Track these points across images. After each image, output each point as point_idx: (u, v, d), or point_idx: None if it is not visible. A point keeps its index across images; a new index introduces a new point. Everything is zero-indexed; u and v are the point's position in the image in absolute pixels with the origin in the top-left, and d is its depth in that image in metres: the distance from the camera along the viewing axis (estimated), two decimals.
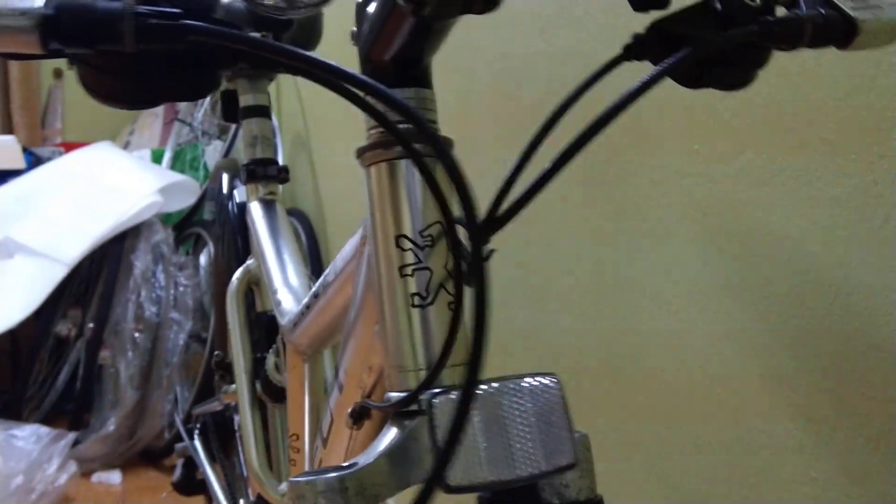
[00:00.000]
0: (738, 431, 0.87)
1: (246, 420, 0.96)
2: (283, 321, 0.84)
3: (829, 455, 0.77)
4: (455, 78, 1.40)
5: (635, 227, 1.00)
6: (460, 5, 0.40)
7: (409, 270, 0.47)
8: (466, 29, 1.46)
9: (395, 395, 0.46)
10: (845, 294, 0.74)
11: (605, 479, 1.07)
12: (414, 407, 0.44)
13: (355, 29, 0.50)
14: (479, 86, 1.34)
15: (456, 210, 0.49)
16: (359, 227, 0.57)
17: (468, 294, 0.52)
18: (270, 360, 0.97)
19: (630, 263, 1.01)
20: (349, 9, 0.49)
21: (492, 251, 0.48)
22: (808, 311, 0.78)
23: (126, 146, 2.98)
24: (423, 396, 0.44)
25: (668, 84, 0.48)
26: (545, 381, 0.44)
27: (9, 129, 3.12)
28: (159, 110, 2.95)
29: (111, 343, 2.24)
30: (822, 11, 0.42)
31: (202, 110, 2.62)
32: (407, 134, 0.48)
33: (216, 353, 1.11)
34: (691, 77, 0.45)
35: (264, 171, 1.03)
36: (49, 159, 2.59)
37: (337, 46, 0.87)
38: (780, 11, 0.43)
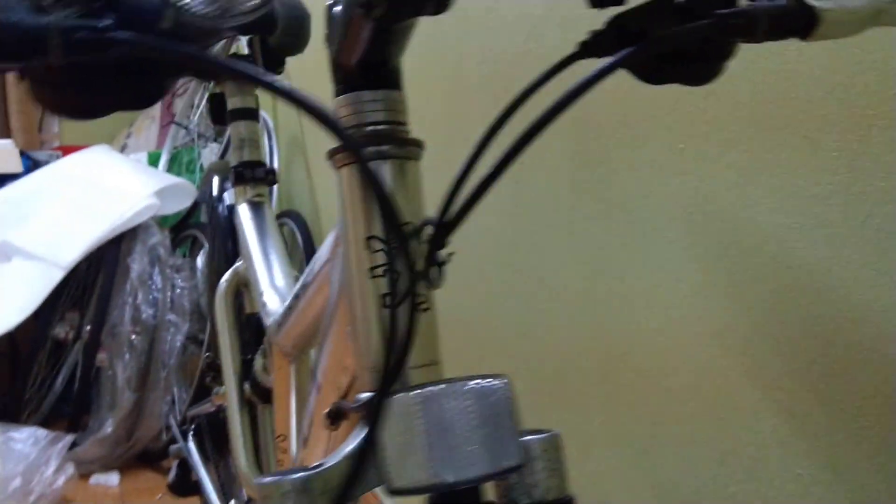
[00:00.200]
0: (724, 428, 0.87)
1: (234, 421, 0.96)
2: (269, 322, 0.85)
3: (814, 451, 0.77)
4: (444, 78, 1.40)
5: (623, 226, 1.00)
6: (411, 8, 0.40)
7: (379, 271, 0.48)
8: (455, 30, 1.47)
9: (364, 396, 0.46)
10: (828, 291, 0.74)
11: (595, 477, 1.07)
12: None
13: (328, 32, 0.50)
14: (468, 85, 1.34)
15: (429, 210, 0.49)
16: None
17: (439, 295, 0.52)
18: (259, 361, 0.97)
19: (618, 263, 1.01)
20: None
21: (450, 254, 0.48)
22: (791, 308, 0.78)
23: (123, 149, 2.99)
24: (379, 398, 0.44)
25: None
26: (494, 382, 0.44)
27: (6, 133, 3.13)
28: (156, 113, 2.95)
29: (108, 345, 2.24)
30: (782, 2, 0.41)
31: (198, 113, 2.62)
32: (376, 135, 0.48)
33: (206, 354, 1.12)
34: (653, 73, 0.45)
35: (252, 174, 1.04)
36: (46, 163, 2.59)
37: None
38: (746, 3, 0.42)
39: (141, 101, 0.42)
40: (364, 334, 0.48)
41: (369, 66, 0.48)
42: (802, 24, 0.41)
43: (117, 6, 0.37)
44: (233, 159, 1.06)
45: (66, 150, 2.77)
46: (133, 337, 2.20)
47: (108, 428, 2.17)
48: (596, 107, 1.03)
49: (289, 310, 0.74)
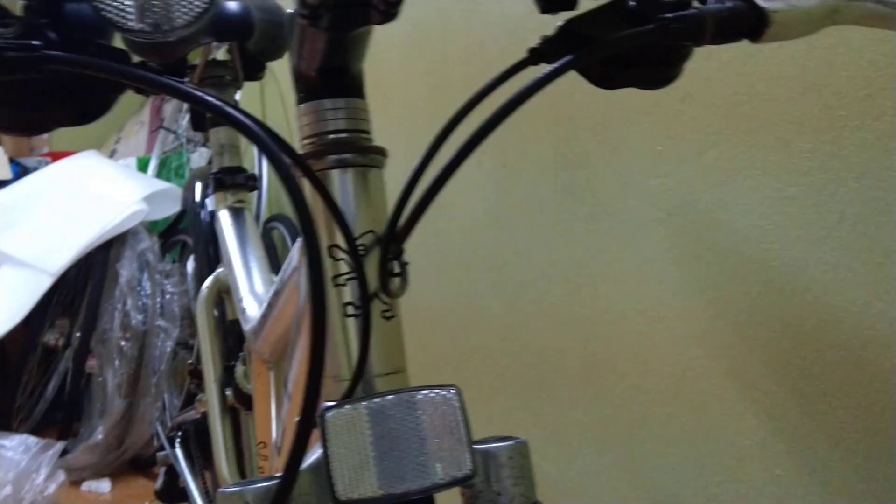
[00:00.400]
0: (705, 431, 0.87)
1: (216, 428, 0.96)
2: (247, 329, 0.84)
3: (793, 452, 0.77)
4: (428, 78, 1.40)
5: (605, 229, 1.00)
6: (357, 18, 0.40)
7: (342, 280, 0.47)
8: (439, 31, 1.46)
9: (328, 405, 0.46)
10: (804, 292, 0.74)
11: (579, 479, 1.07)
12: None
13: (288, 41, 0.50)
14: (452, 85, 1.34)
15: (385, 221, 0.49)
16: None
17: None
18: (240, 368, 0.97)
19: (600, 266, 1.01)
20: None
21: (406, 264, 0.48)
22: (769, 309, 0.78)
23: (112, 154, 2.98)
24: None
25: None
26: (443, 392, 0.43)
27: None
28: (145, 118, 2.95)
29: (98, 352, 2.24)
30: (729, 4, 0.40)
31: (187, 118, 2.61)
32: (337, 144, 0.48)
33: (189, 361, 1.11)
34: (606, 77, 0.44)
35: (232, 180, 1.03)
36: (35, 169, 2.59)
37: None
38: (696, 6, 0.42)
39: (84, 117, 0.42)
40: (327, 343, 0.48)
41: (329, 74, 0.48)
42: (751, 25, 0.41)
43: (57, 25, 0.37)
44: (213, 165, 1.06)
45: (56, 156, 2.76)
46: (123, 343, 2.19)
47: (99, 435, 2.16)
48: (575, 110, 1.03)
49: (264, 317, 0.74)
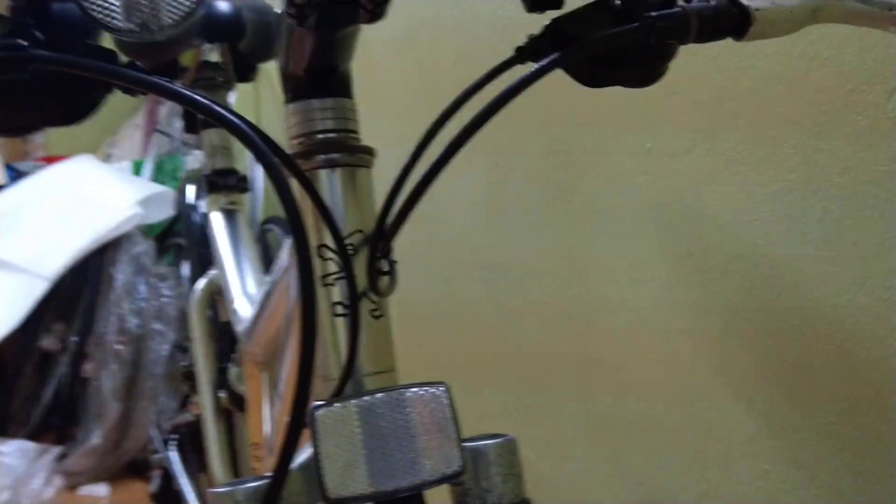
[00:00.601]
0: (696, 427, 0.87)
1: (209, 430, 0.96)
2: (240, 330, 0.85)
3: (781, 447, 0.77)
4: (420, 77, 1.40)
5: (595, 227, 1.01)
6: (344, 17, 0.41)
7: (330, 280, 0.48)
8: (431, 30, 1.47)
9: (318, 404, 0.47)
10: (790, 288, 0.74)
11: (573, 478, 1.08)
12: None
13: (277, 42, 0.50)
14: (444, 83, 1.34)
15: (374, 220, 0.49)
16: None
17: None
18: (233, 369, 0.97)
19: (592, 264, 1.02)
20: None
21: (394, 262, 0.48)
22: (757, 304, 0.78)
23: (107, 158, 2.98)
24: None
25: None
26: (432, 390, 0.44)
27: None
28: (140, 121, 2.95)
29: (95, 356, 2.23)
30: (714, 3, 0.41)
31: (182, 121, 2.61)
32: (326, 143, 0.49)
33: (182, 363, 1.12)
34: (591, 76, 0.45)
35: (224, 182, 1.03)
36: (30, 174, 2.59)
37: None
38: (680, 5, 0.42)
39: (72, 117, 0.42)
40: (317, 343, 0.48)
41: (317, 74, 0.48)
42: (735, 24, 0.41)
43: (44, 25, 0.37)
44: (205, 167, 1.07)
45: (51, 160, 2.76)
46: (119, 347, 2.19)
47: (96, 439, 2.16)
48: (565, 109, 1.03)
49: (255, 318, 0.74)
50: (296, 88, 0.49)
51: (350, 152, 0.49)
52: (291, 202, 0.37)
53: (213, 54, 1.07)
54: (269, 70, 1.05)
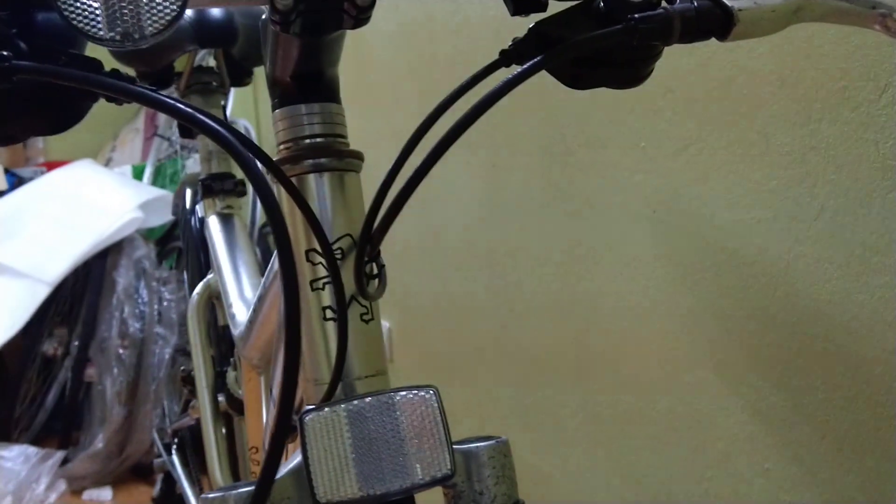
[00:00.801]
0: (694, 425, 0.87)
1: (208, 434, 0.96)
2: (237, 334, 0.85)
3: (780, 445, 0.77)
4: (415, 79, 1.40)
5: (592, 226, 1.00)
6: (329, 24, 0.41)
7: (320, 284, 0.48)
8: (426, 32, 1.46)
9: (308, 408, 0.47)
10: (787, 286, 0.74)
11: (573, 476, 1.08)
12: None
13: (262, 47, 0.50)
14: (438, 85, 1.34)
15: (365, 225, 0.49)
16: None
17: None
18: (231, 373, 0.97)
19: (589, 263, 1.02)
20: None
21: (382, 266, 0.48)
22: (754, 303, 0.78)
23: (108, 163, 2.99)
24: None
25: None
26: (420, 394, 0.44)
27: None
28: (140, 126, 2.95)
29: (97, 360, 2.24)
30: (696, 4, 0.41)
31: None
32: (313, 148, 0.49)
33: (182, 367, 1.12)
34: (577, 77, 0.45)
35: (221, 186, 1.04)
36: (31, 179, 2.59)
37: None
38: (664, 6, 0.42)
39: (57, 126, 0.42)
40: (307, 347, 0.48)
41: (303, 79, 0.48)
42: (718, 24, 0.41)
43: (27, 35, 0.37)
44: (202, 172, 1.07)
45: (51, 165, 2.76)
46: (121, 351, 2.19)
47: (100, 443, 2.17)
48: (561, 110, 1.03)
49: (251, 322, 0.74)
50: (283, 94, 0.49)
51: (338, 157, 0.49)
52: (273, 206, 0.37)
53: (208, 59, 1.08)
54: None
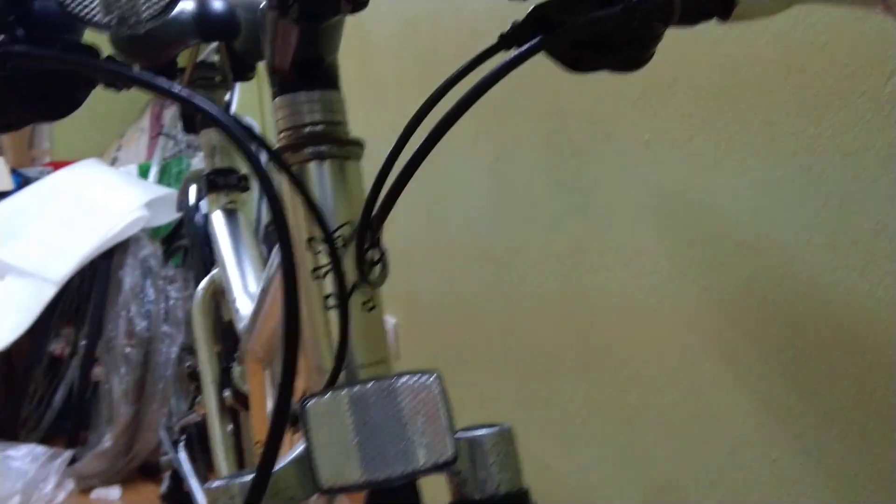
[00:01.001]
0: (702, 417, 0.86)
1: (214, 429, 0.96)
2: (241, 328, 0.85)
3: (788, 436, 0.77)
4: (418, 69, 1.40)
5: (597, 219, 1.00)
6: (327, 9, 0.40)
7: (321, 273, 0.48)
8: (428, 24, 1.46)
9: (309, 396, 0.46)
10: (794, 275, 0.74)
11: (581, 471, 1.07)
12: None
13: (262, 36, 0.50)
14: (442, 75, 1.34)
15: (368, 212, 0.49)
16: None
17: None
18: (236, 368, 0.97)
19: (595, 256, 1.01)
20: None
21: (384, 252, 0.48)
22: (761, 293, 0.78)
23: (114, 162, 2.99)
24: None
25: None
26: (423, 379, 0.43)
27: None
28: (145, 125, 2.96)
29: (104, 359, 2.24)
30: None
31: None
32: (313, 136, 0.48)
33: (188, 364, 1.12)
34: (578, 61, 0.44)
35: (224, 181, 1.04)
36: (37, 179, 2.60)
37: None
38: None
39: (55, 113, 0.42)
40: (310, 335, 0.48)
41: (303, 66, 0.48)
42: (720, 4, 0.41)
43: (25, 22, 0.37)
44: (205, 167, 1.07)
45: (57, 165, 2.77)
46: (128, 350, 2.20)
47: (107, 442, 2.17)
48: (565, 102, 1.03)
49: (255, 315, 0.74)
50: (282, 82, 0.49)
51: (338, 144, 0.49)
52: (273, 194, 0.37)
53: (211, 54, 1.07)
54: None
